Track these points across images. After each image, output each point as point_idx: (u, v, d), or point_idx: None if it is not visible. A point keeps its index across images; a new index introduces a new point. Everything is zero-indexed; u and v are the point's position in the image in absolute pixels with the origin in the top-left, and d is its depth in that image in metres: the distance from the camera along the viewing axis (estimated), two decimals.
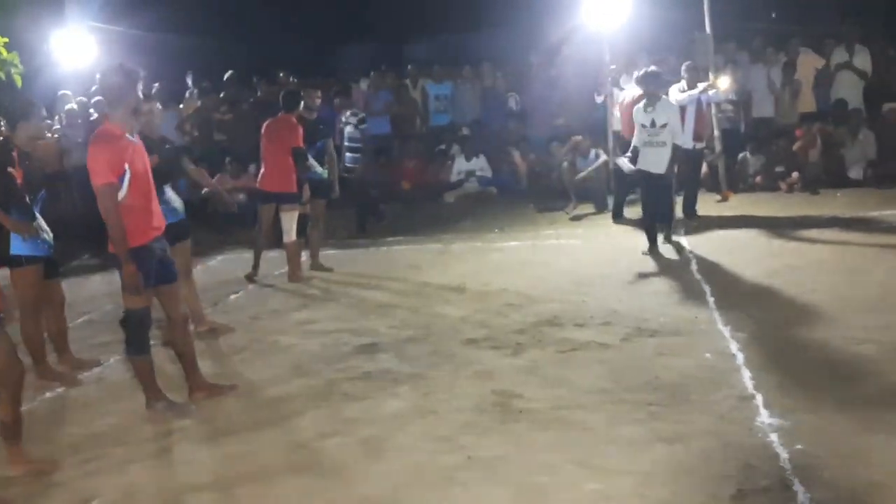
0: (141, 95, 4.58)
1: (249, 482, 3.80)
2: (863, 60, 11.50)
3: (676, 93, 9.40)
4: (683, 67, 9.68)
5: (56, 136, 10.37)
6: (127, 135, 4.48)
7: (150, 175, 4.62)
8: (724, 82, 9.32)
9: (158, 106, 6.22)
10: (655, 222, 8.04)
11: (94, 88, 11.81)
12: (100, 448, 4.33)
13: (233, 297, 7.57)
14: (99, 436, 4.51)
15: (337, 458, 3.98)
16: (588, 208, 10.69)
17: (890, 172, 10.45)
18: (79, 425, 4.70)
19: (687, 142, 9.14)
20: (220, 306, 7.24)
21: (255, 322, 6.62)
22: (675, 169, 8.06)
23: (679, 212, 9.34)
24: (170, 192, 5.97)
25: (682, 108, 9.09)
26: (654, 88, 8.02)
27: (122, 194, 4.37)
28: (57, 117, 11.39)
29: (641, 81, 8.23)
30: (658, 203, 8.03)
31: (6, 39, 9.13)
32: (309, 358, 5.60)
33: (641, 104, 8.06)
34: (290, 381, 5.18)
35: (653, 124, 7.88)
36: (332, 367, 5.35)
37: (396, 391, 4.81)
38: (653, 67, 8.42)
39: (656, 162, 7.87)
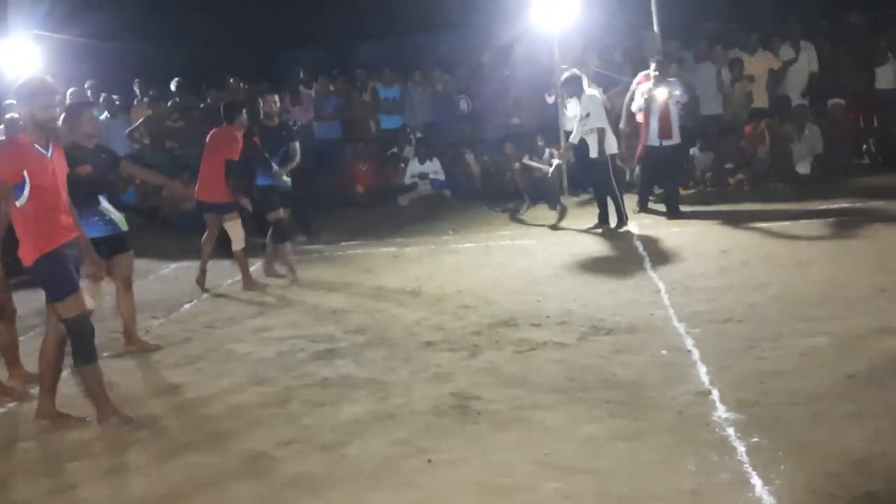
0: (54, 107, 4.42)
1: (208, 492, 3.72)
2: (809, 57, 11.75)
3: (639, 97, 9.71)
4: (653, 61, 9.79)
5: None
6: (37, 145, 4.36)
7: (63, 187, 4.49)
8: (661, 94, 9.44)
9: (96, 114, 6.08)
10: (605, 200, 9.22)
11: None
12: (55, 464, 4.20)
13: (187, 305, 7.44)
14: (53, 452, 4.37)
15: (297, 466, 3.92)
16: (543, 209, 10.73)
17: (836, 166, 10.69)
18: (34, 440, 4.54)
19: (654, 139, 9.58)
20: (175, 315, 7.10)
21: (211, 331, 6.51)
22: (611, 150, 9.18)
23: (659, 207, 9.72)
24: (105, 204, 5.78)
25: (648, 108, 9.58)
26: (575, 90, 9.21)
27: (21, 202, 4.28)
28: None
29: (564, 86, 9.52)
30: (597, 180, 9.26)
31: None
32: (265, 365, 5.52)
33: (571, 102, 9.44)
34: (246, 389, 5.09)
35: (581, 117, 9.14)
36: (288, 374, 5.27)
37: (354, 396, 4.76)
38: (572, 71, 9.42)
39: (590, 147, 9.14)
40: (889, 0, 12.02)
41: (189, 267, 8.89)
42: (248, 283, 7.82)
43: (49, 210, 4.38)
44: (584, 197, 9.96)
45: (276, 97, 8.10)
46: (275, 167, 7.79)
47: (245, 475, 3.87)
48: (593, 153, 9.13)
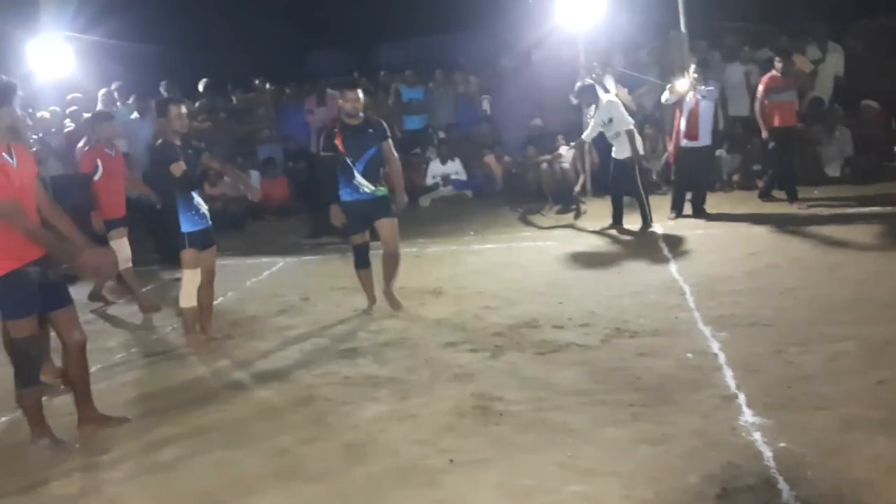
0: (15, 109, 4.20)
1: (234, 489, 3.73)
2: (836, 59, 11.60)
3: (667, 94, 9.69)
4: (693, 64, 9.77)
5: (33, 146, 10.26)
6: (3, 153, 4.13)
7: (30, 197, 4.24)
8: (682, 84, 9.36)
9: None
10: (621, 199, 9.30)
11: (69, 97, 11.70)
12: (85, 460, 4.24)
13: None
14: (85, 450, 4.39)
15: (320, 463, 3.92)
16: (565, 210, 10.68)
17: (866, 169, 10.54)
18: (68, 435, 4.56)
19: (682, 141, 9.50)
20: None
21: (235, 328, 6.54)
22: (639, 152, 9.20)
23: (689, 209, 9.61)
24: (198, 198, 5.95)
25: (678, 109, 9.57)
26: (591, 98, 9.35)
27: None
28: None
29: (579, 96, 9.73)
30: (625, 182, 9.20)
31: None
32: (288, 364, 5.53)
33: (592, 110, 9.43)
34: (270, 386, 5.11)
35: (603, 123, 9.15)
36: (311, 373, 5.28)
37: (376, 395, 4.76)
38: (586, 81, 9.77)
39: (616, 151, 9.20)
40: None
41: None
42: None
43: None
44: (608, 198, 9.88)
45: (360, 91, 6.46)
46: (357, 176, 6.33)
47: (268, 473, 3.88)
48: (621, 154, 9.12)
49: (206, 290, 6.15)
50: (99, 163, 7.18)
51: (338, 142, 6.27)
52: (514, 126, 12.52)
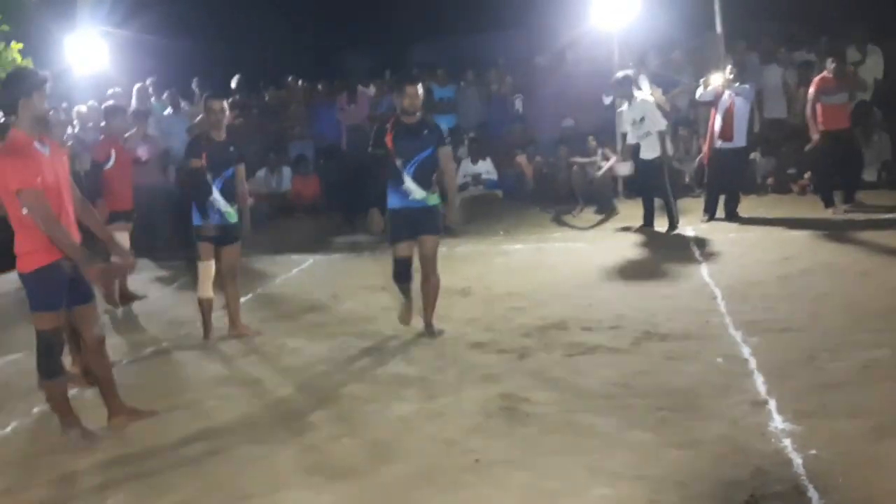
0: (44, 102, 4.19)
1: (261, 485, 3.76)
2: (875, 61, 11.40)
3: (700, 89, 9.67)
4: (730, 65, 9.69)
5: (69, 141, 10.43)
6: (35, 143, 4.17)
7: (65, 189, 4.29)
8: (717, 79, 9.28)
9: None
10: (652, 201, 9.30)
11: (109, 92, 11.87)
12: (118, 452, 4.30)
13: (241, 300, 7.52)
14: (113, 444, 4.45)
15: (346, 461, 3.94)
16: (596, 211, 10.63)
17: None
18: (100, 427, 4.60)
19: (716, 142, 9.43)
20: None
21: (264, 325, 6.58)
22: (669, 152, 9.43)
23: (721, 212, 9.52)
24: (217, 195, 6.04)
25: (713, 109, 9.51)
26: (627, 91, 9.18)
27: (26, 209, 4.11)
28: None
29: (616, 85, 9.41)
30: (652, 183, 9.17)
31: (20, 45, 9.19)
32: (316, 361, 5.57)
33: (625, 107, 9.35)
34: (297, 384, 5.14)
35: (634, 121, 9.12)
36: (339, 370, 5.31)
37: (403, 394, 4.77)
38: (625, 72, 9.43)
39: (644, 151, 9.14)
40: None
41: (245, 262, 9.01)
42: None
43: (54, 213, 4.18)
44: (639, 199, 9.82)
45: (419, 86, 5.72)
46: (407, 181, 5.66)
47: (295, 469, 3.90)
48: (649, 155, 9.09)
49: (229, 286, 6.23)
50: (112, 153, 7.31)
51: (388, 140, 5.63)
52: (546, 126, 12.46)
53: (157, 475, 3.96)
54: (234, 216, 6.16)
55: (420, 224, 5.71)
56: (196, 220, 6.09)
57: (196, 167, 5.99)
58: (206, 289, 6.20)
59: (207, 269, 6.18)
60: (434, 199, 5.73)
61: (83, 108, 11.64)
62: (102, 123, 8.32)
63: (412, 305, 6.00)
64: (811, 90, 9.60)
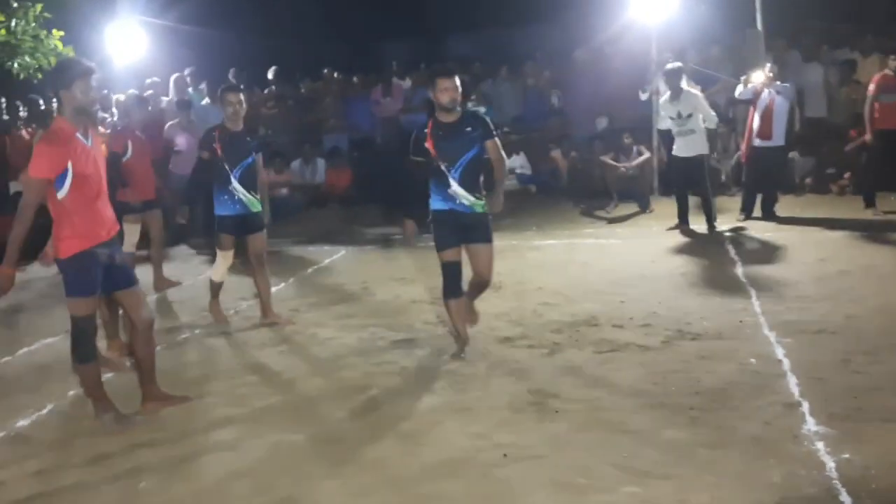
0: (91, 92, 4.23)
1: (289, 473, 3.79)
2: None
3: (741, 87, 9.50)
4: (770, 62, 9.64)
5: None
6: (78, 133, 4.22)
7: (103, 178, 4.39)
8: (758, 76, 9.13)
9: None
10: (687, 199, 9.11)
11: (148, 81, 12.02)
12: (147, 435, 4.36)
13: (273, 289, 7.58)
14: (156, 423, 4.51)
15: (375, 452, 3.95)
16: (631, 208, 10.55)
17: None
18: (133, 410, 4.66)
19: (755, 139, 9.32)
20: None
21: (295, 315, 6.63)
22: (710, 153, 9.33)
23: (758, 211, 9.43)
24: (236, 184, 6.13)
25: (752, 106, 9.38)
26: (676, 83, 8.92)
27: (61, 194, 4.18)
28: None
29: (666, 77, 9.15)
30: (693, 181, 8.92)
31: (62, 33, 9.34)
32: (346, 351, 5.59)
33: (667, 97, 9.13)
34: (327, 373, 5.17)
35: (679, 115, 8.87)
36: (368, 362, 5.33)
37: (432, 387, 4.77)
38: (675, 64, 9.22)
39: (685, 147, 8.89)
40: None
41: (272, 251, 9.10)
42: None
43: (89, 203, 4.28)
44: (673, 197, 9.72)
45: (457, 78, 5.11)
46: (454, 185, 5.10)
47: (323, 458, 3.93)
48: (689, 152, 8.89)
49: (259, 275, 6.32)
50: (129, 144, 7.36)
51: (429, 145, 5.09)
52: (582, 121, 12.39)
53: (188, 460, 4.01)
54: (256, 205, 6.23)
55: (469, 231, 5.15)
56: (217, 209, 6.20)
57: (205, 158, 6.14)
58: (220, 274, 6.39)
59: (226, 258, 6.34)
60: (481, 205, 5.16)
61: (122, 98, 11.78)
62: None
63: (468, 337, 5.39)
64: (871, 87, 9.40)
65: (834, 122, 11.28)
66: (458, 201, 5.11)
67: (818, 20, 12.28)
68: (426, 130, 5.12)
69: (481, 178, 5.20)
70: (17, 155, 10.13)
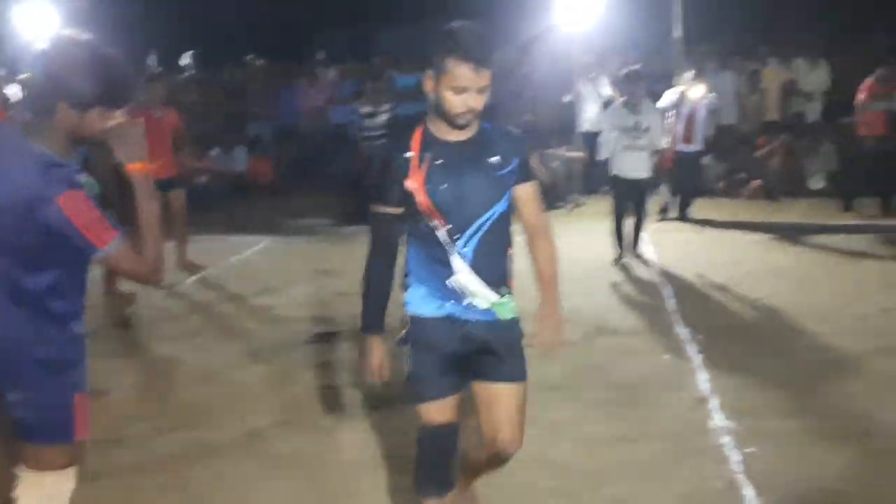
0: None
1: (204, 467, 3.75)
2: (819, 74, 11.74)
3: (671, 95, 9.47)
4: (692, 70, 9.75)
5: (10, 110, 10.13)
6: None
7: None
8: (696, 91, 9.38)
9: None
10: (622, 229, 7.60)
11: None
12: None
13: (190, 279, 7.45)
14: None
15: (291, 445, 3.94)
16: (554, 207, 10.74)
17: (849, 184, 10.64)
18: None
19: (678, 145, 9.35)
20: (178, 288, 7.10)
21: (214, 306, 6.52)
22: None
23: (675, 213, 9.59)
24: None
25: (671, 111, 9.32)
26: (638, 88, 7.62)
27: None
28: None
29: (624, 82, 7.81)
30: (637, 208, 7.61)
31: None
32: (267, 345, 5.53)
33: (620, 104, 7.71)
34: (246, 367, 5.12)
35: (636, 127, 7.47)
36: (290, 356, 5.28)
37: (355, 380, 4.76)
38: (635, 66, 8.03)
39: (637, 168, 7.48)
40: None
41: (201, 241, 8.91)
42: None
43: None
44: (596, 195, 9.92)
45: (485, 70, 2.65)
46: (458, 267, 2.66)
47: (239, 452, 3.90)
48: (641, 173, 7.58)
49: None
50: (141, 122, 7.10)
51: (415, 182, 2.58)
52: (507, 120, 12.49)
53: (91, 454, 3.91)
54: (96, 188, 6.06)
55: (485, 358, 2.78)
56: None
57: None
58: None
59: None
60: (511, 307, 2.85)
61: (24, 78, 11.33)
62: None
63: None
64: (862, 96, 9.68)
65: (743, 130, 11.74)
66: (465, 301, 2.69)
67: (732, 31, 12.73)
68: (409, 154, 2.59)
69: (509, 255, 2.86)
70: None
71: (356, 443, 3.94)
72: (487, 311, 2.73)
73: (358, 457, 3.80)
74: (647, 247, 8.20)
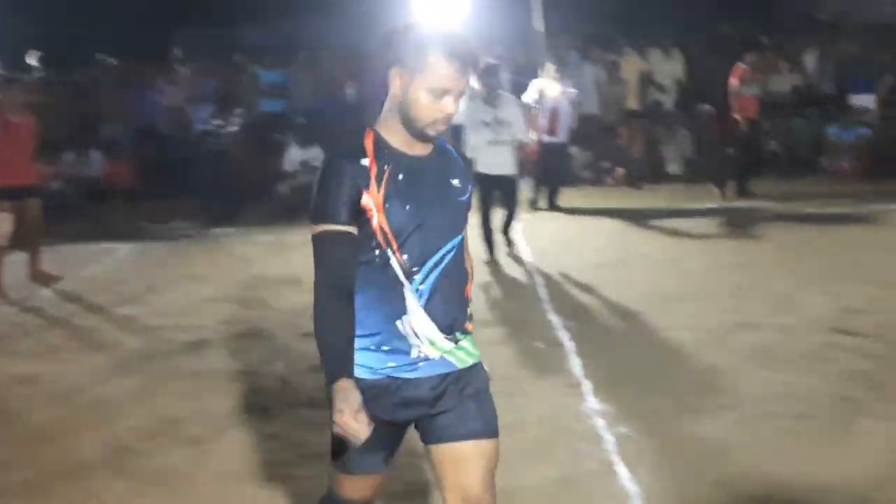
0: None
1: (68, 483, 3.54)
2: (672, 65, 12.32)
3: (533, 91, 9.62)
4: (552, 63, 9.91)
5: None
6: None
7: None
8: (553, 89, 9.63)
9: None
10: (490, 227, 7.31)
11: None
12: None
13: (47, 291, 7.02)
14: None
15: (162, 459, 3.77)
16: None
17: (704, 168, 11.20)
18: None
19: (543, 137, 9.54)
20: (34, 302, 6.68)
21: (73, 319, 6.17)
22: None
23: (545, 203, 9.78)
24: None
25: (535, 104, 9.50)
26: (494, 81, 7.39)
27: None
28: None
29: (483, 75, 7.24)
30: (507, 204, 7.44)
31: None
32: (132, 356, 5.28)
33: (477, 98, 7.27)
34: (111, 380, 4.86)
35: (496, 121, 7.21)
36: (156, 367, 5.05)
37: (227, 389, 4.61)
38: (492, 60, 7.76)
39: (501, 163, 7.20)
40: (757, 12, 12.73)
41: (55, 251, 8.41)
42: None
43: None
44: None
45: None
46: (415, 308, 2.20)
47: (108, 469, 3.70)
48: (506, 169, 7.31)
49: None
50: None
51: (373, 200, 2.14)
52: (376, 114, 12.43)
53: None
54: None
55: (440, 420, 2.29)
56: None
57: None
58: None
59: None
60: (470, 351, 2.36)
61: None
62: None
63: None
64: (735, 82, 10.02)
65: (605, 119, 12.17)
66: (418, 351, 2.21)
67: (590, 23, 13.16)
68: (365, 161, 2.16)
69: (468, 296, 2.40)
70: None
71: (231, 454, 3.81)
72: (442, 360, 2.23)
73: (233, 468, 3.66)
74: (518, 237, 8.36)
